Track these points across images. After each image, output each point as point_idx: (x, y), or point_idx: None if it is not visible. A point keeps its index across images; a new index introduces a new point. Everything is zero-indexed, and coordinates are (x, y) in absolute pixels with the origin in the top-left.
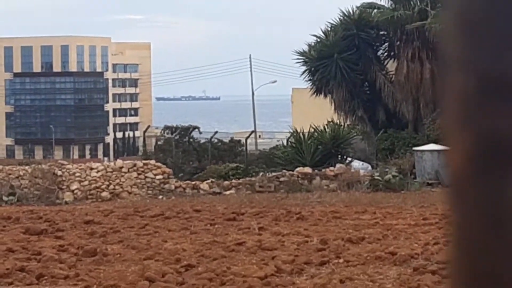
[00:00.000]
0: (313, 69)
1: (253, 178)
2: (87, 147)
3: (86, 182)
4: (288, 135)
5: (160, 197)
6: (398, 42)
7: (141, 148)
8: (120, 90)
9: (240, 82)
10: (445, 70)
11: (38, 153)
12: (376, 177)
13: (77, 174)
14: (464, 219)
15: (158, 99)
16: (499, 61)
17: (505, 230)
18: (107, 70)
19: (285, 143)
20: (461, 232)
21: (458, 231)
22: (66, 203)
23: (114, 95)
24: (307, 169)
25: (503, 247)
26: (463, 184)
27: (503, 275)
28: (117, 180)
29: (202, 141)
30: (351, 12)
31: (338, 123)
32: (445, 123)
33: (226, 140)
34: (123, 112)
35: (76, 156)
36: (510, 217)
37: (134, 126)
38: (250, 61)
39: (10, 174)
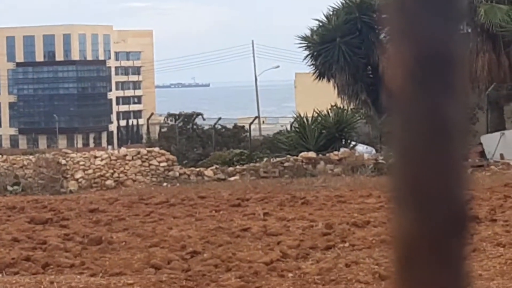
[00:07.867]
0: (315, 53)
1: (257, 164)
2: (91, 135)
3: (90, 171)
4: (292, 120)
5: (165, 184)
6: None
7: (145, 136)
8: (123, 78)
9: (234, 68)
10: None
11: (42, 142)
12: (380, 161)
13: (81, 163)
14: (404, 132)
15: None
16: None
17: (441, 141)
18: (109, 58)
19: (288, 128)
20: (402, 144)
21: (399, 143)
22: (71, 191)
23: (117, 83)
24: (311, 154)
25: (439, 159)
26: (403, 98)
27: (437, 182)
28: (121, 168)
29: (206, 127)
30: None
31: (342, 107)
32: (388, 37)
33: (230, 126)
34: (126, 100)
35: (80, 145)
36: (447, 129)
37: (137, 114)
38: (253, 46)
39: (14, 164)
